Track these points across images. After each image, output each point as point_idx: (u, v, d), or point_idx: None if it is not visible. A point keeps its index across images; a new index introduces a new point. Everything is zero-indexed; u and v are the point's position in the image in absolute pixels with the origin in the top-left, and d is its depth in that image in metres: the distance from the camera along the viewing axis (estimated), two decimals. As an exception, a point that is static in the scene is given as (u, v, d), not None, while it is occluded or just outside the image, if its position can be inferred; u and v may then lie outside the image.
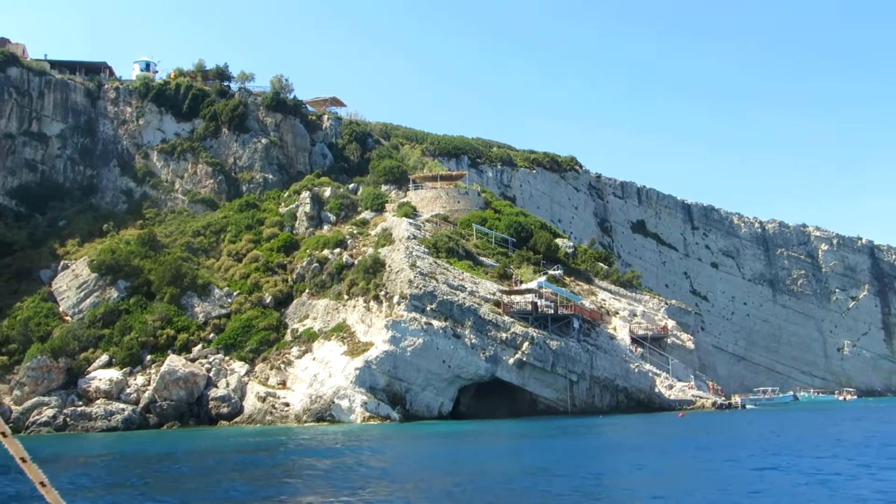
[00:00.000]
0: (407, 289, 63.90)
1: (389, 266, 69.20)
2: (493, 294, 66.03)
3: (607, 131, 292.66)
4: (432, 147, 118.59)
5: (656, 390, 64.90)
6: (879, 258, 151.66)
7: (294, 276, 78.77)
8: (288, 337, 71.62)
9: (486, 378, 61.88)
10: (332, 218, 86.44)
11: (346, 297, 71.62)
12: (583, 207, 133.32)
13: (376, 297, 67.45)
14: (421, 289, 63.60)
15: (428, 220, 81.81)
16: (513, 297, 66.43)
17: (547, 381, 62.13)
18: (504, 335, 61.64)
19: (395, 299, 64.32)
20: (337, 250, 79.06)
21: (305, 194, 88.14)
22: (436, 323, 61.91)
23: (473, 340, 61.46)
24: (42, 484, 2.00)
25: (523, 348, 61.09)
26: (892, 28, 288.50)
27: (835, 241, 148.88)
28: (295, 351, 69.25)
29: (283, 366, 68.27)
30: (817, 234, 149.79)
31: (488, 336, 61.77)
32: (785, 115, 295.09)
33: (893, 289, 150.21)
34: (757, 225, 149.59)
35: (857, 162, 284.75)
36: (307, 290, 75.92)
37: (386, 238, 76.54)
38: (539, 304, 65.03)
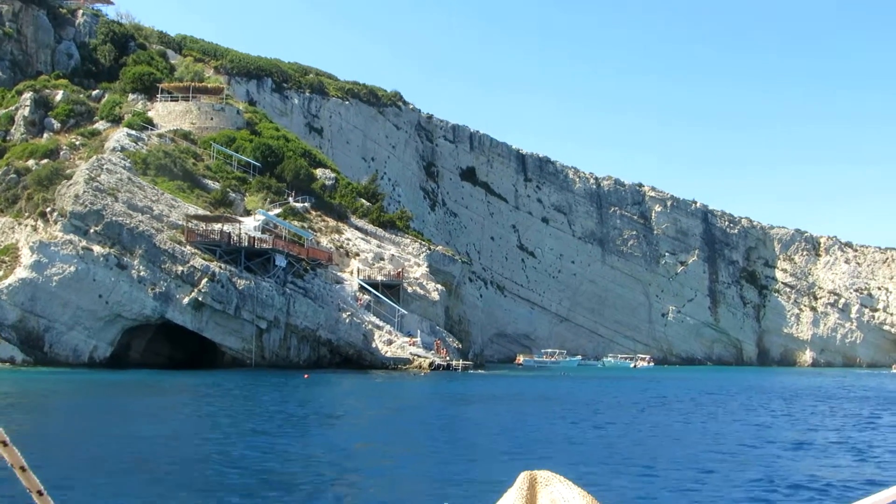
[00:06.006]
0: (70, 205, 52.20)
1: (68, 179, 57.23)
2: (187, 221, 54.94)
3: (450, 75, 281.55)
4: (230, 65, 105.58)
5: (372, 345, 55.52)
6: (712, 223, 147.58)
7: (-15, 187, 65.73)
8: (-49, 259, 59.03)
9: (155, 319, 51.17)
10: (57, 125, 73.15)
11: (25, 213, 59.39)
12: (402, 147, 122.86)
13: (43, 215, 55.52)
14: (87, 206, 52.01)
15: (161, 135, 69.87)
16: (211, 224, 55.53)
17: (231, 328, 51.80)
18: (180, 269, 50.86)
19: (55, 217, 52.60)
20: (45, 161, 66.27)
21: (27, 95, 74.47)
22: (97, 249, 50.60)
23: (142, 273, 50.50)
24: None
25: (201, 286, 50.47)
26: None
27: (669, 203, 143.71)
28: (-51, 275, 56.81)
29: (-72, 292, 55.75)
30: (652, 194, 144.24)
31: (162, 269, 50.86)
32: (632, 72, 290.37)
33: (723, 255, 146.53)
34: (592, 181, 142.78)
35: (699, 126, 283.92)
36: (-5, 205, 63.21)
37: (96, 150, 64.38)
38: (234, 235, 54.36)
